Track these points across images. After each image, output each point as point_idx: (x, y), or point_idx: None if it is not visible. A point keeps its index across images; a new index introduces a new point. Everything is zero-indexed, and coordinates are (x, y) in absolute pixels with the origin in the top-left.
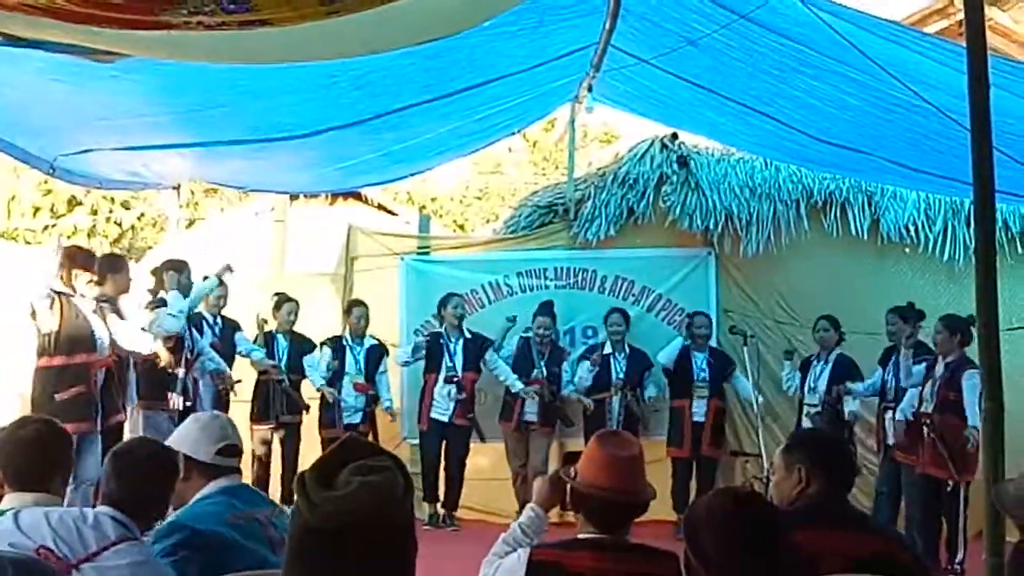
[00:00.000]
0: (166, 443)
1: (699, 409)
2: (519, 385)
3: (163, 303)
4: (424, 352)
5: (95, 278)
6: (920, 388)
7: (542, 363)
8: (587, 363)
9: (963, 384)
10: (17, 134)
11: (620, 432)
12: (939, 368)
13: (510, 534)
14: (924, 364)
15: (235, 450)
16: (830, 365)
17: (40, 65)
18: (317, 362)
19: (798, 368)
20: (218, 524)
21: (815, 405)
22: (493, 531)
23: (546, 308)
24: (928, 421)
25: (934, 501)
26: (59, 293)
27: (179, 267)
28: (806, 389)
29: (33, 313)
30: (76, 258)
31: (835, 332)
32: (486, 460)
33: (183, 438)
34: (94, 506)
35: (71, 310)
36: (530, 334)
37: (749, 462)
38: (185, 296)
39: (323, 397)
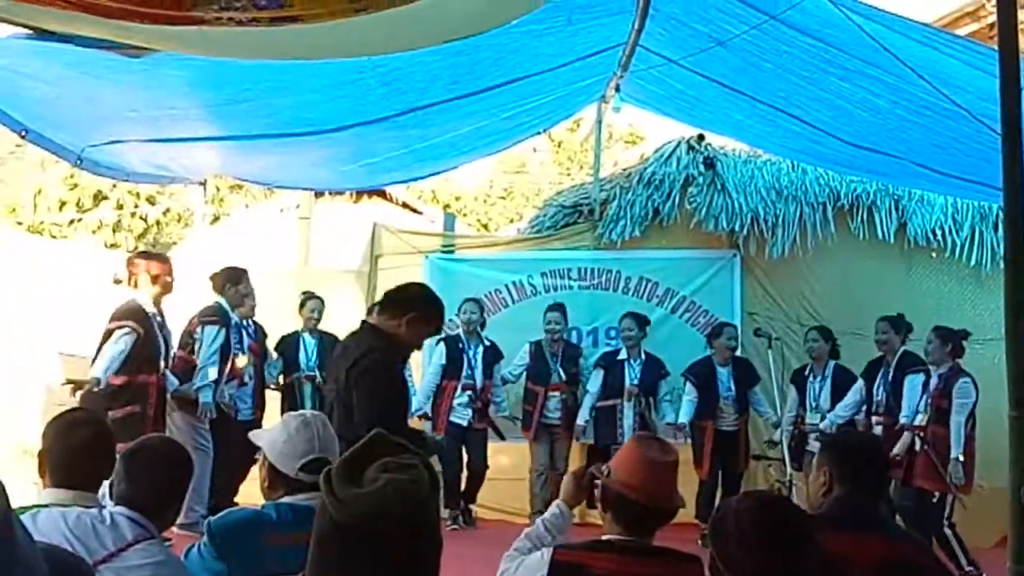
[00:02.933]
0: (255, 440)
1: (728, 420)
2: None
3: (217, 317)
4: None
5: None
6: (918, 400)
7: (557, 365)
8: (600, 371)
9: (953, 395)
10: (47, 126)
11: (660, 440)
12: (932, 379)
13: (533, 531)
14: (921, 375)
15: (323, 464)
16: (828, 381)
17: (70, 58)
18: None
19: (790, 381)
20: (253, 541)
21: (816, 424)
22: (512, 530)
23: (557, 306)
24: (920, 433)
25: (924, 513)
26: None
27: (236, 278)
28: (807, 407)
29: (109, 334)
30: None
31: (826, 343)
32: (507, 459)
33: (271, 444)
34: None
35: (152, 332)
36: (540, 337)
37: (772, 466)
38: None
39: None
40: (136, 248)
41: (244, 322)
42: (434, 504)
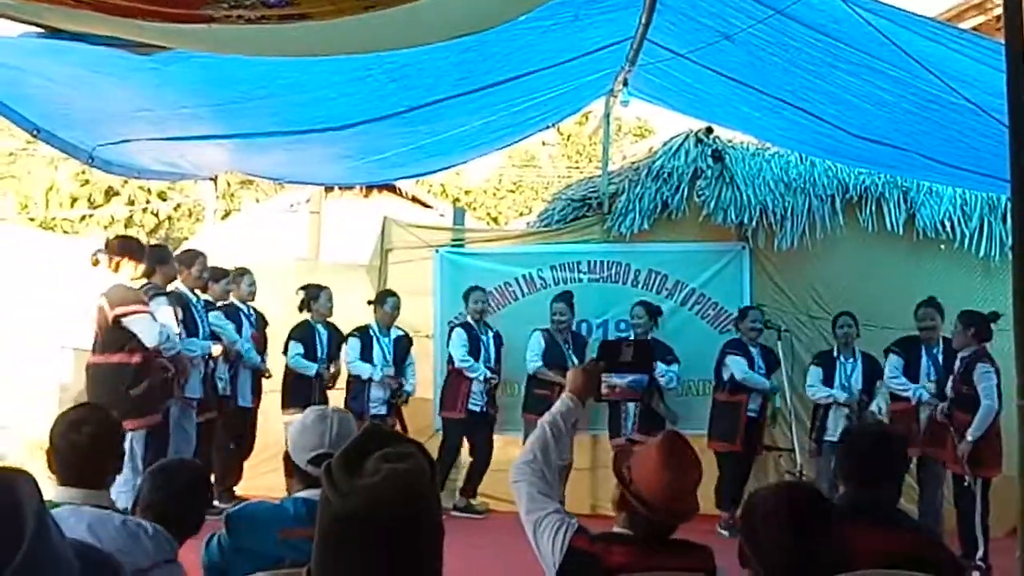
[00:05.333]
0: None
1: (755, 405)
2: (536, 365)
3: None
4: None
5: (144, 269)
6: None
7: (570, 352)
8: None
9: (975, 381)
10: (58, 125)
11: (687, 449)
12: (956, 363)
13: (541, 438)
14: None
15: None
16: (859, 362)
17: (81, 57)
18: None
19: (817, 363)
20: (268, 536)
21: (847, 406)
22: (519, 520)
23: (564, 295)
24: (947, 416)
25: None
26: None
27: (191, 260)
28: (837, 388)
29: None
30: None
31: (857, 328)
32: (517, 450)
33: (291, 434)
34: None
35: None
36: (548, 326)
37: (782, 456)
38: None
39: (348, 387)
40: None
41: (246, 309)
42: (435, 492)
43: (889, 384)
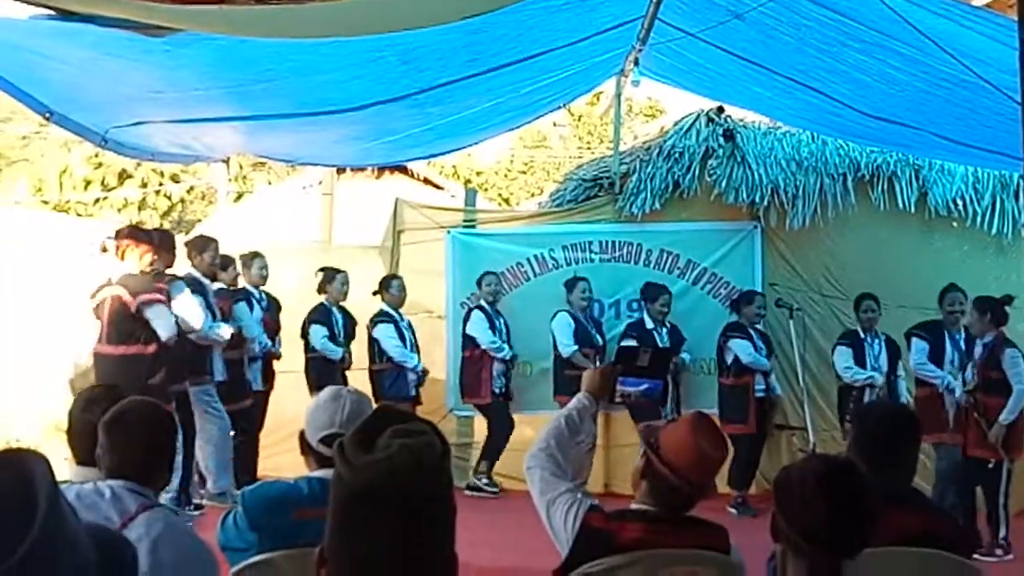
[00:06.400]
0: None
1: (761, 385)
2: (573, 349)
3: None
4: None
5: (151, 257)
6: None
7: (595, 333)
8: (631, 341)
9: (1005, 367)
10: (71, 108)
11: (716, 428)
12: (976, 349)
13: (556, 428)
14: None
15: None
16: (884, 345)
17: (93, 40)
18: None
19: (846, 344)
20: (284, 515)
21: (878, 387)
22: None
23: (582, 277)
24: (972, 401)
25: (973, 480)
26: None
27: (202, 246)
28: (869, 369)
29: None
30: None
31: (879, 310)
32: (532, 431)
33: (307, 412)
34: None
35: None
36: (568, 308)
37: (795, 435)
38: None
39: (381, 372)
40: (161, 226)
41: (258, 294)
42: (447, 468)
43: (917, 370)
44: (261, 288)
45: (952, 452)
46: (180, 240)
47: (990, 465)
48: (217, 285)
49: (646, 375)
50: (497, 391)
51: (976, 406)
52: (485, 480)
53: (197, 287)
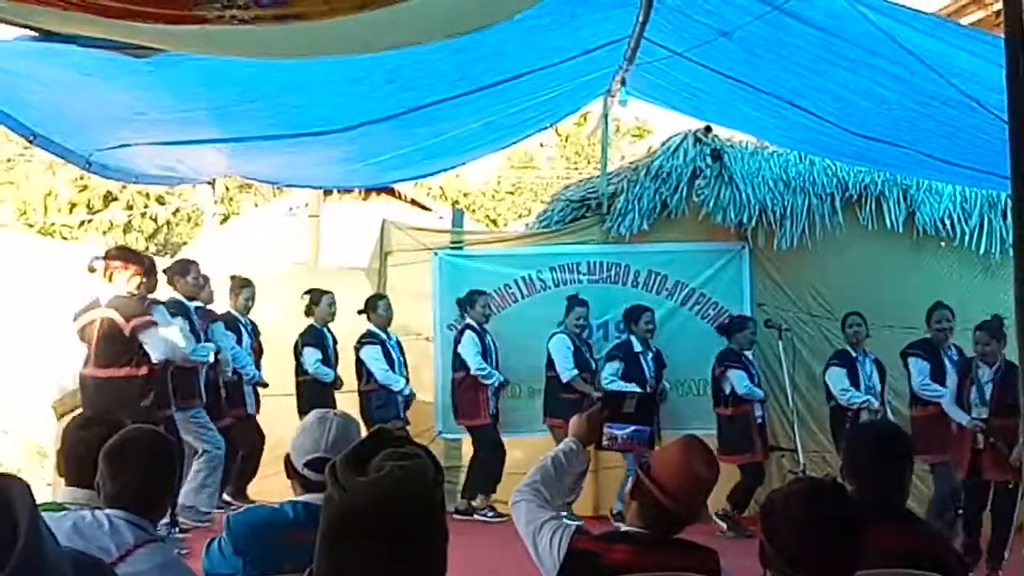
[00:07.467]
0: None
1: (759, 411)
2: (575, 374)
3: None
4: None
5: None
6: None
7: (589, 356)
8: (615, 363)
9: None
10: (54, 129)
11: (708, 451)
12: (984, 372)
13: (542, 467)
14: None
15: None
16: (873, 363)
17: (76, 60)
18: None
19: (836, 364)
20: (269, 539)
21: (875, 409)
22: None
23: (580, 299)
24: (983, 427)
25: (982, 502)
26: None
27: (184, 269)
28: (863, 390)
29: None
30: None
31: (866, 327)
32: (520, 453)
33: (294, 436)
34: None
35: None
36: (563, 329)
37: (785, 456)
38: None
39: (369, 395)
40: (147, 249)
41: (244, 320)
42: (439, 492)
43: (921, 390)
44: (247, 317)
45: (952, 472)
46: (162, 264)
47: (1010, 486)
48: (195, 304)
49: (632, 421)
50: (492, 413)
51: (991, 430)
52: (491, 513)
53: (180, 310)
